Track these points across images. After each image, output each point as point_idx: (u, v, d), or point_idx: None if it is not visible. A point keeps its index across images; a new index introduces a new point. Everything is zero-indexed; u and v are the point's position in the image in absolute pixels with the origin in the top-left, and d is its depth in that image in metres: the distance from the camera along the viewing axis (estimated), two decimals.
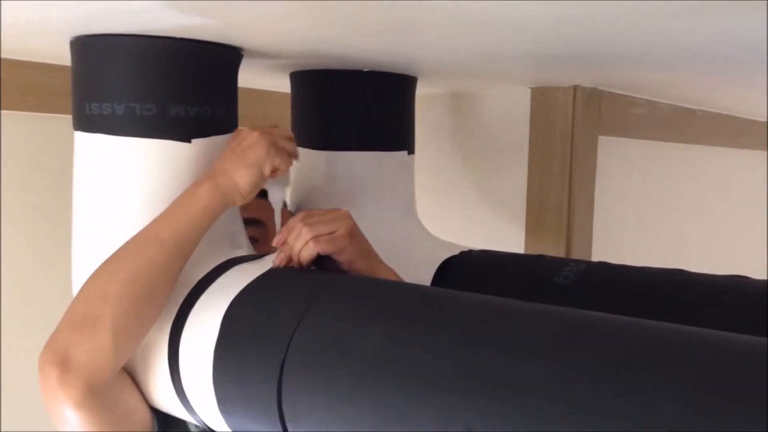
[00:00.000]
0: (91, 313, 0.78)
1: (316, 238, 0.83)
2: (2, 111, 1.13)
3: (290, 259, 0.84)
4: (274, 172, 0.88)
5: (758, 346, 0.53)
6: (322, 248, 0.83)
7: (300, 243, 0.83)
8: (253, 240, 1.01)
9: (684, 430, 0.48)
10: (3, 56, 1.10)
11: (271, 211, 0.94)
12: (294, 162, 0.93)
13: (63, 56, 0.93)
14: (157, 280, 0.80)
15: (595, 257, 1.43)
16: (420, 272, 1.07)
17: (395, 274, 0.91)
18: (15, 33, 0.90)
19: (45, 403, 0.78)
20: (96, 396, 0.77)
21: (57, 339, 0.78)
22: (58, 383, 0.75)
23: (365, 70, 1.13)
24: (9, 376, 1.16)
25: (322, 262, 0.86)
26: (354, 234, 0.87)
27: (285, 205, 1.07)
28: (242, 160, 0.86)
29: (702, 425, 0.48)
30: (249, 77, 1.18)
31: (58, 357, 0.76)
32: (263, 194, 1.03)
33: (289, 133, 0.92)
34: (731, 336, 0.56)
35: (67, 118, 0.93)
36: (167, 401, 0.84)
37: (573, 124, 1.37)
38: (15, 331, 1.17)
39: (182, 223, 0.82)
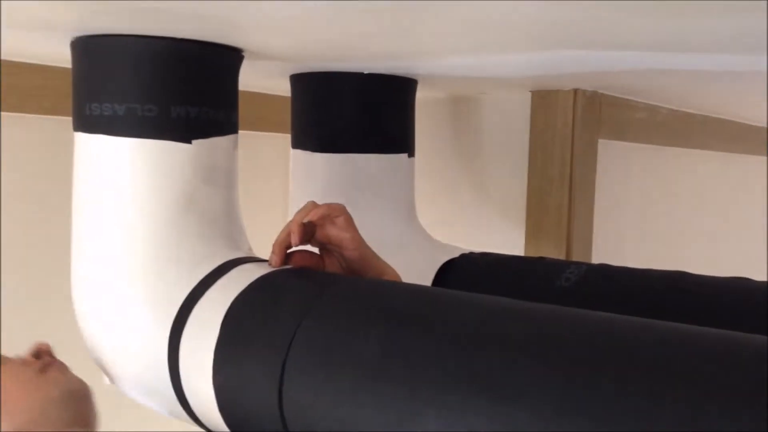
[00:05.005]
0: None
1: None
2: (2, 113, 1.13)
3: (283, 259, 0.83)
4: None
5: (760, 344, 0.53)
6: (330, 209, 0.83)
7: (297, 217, 0.82)
8: None
9: (688, 430, 0.48)
10: (3, 58, 1.09)
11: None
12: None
13: (63, 58, 0.93)
14: None
15: (595, 260, 1.43)
16: (420, 275, 1.07)
17: (396, 273, 0.91)
18: (16, 34, 0.90)
19: None
20: None
21: None
22: None
23: (365, 72, 1.13)
24: None
25: (326, 257, 0.86)
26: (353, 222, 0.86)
27: None
28: None
29: (706, 425, 0.48)
30: (249, 79, 1.18)
31: None
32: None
33: None
34: (734, 335, 0.55)
35: (67, 120, 0.92)
36: (166, 402, 0.84)
37: (573, 128, 1.37)
38: (15, 335, 1.16)
39: None
